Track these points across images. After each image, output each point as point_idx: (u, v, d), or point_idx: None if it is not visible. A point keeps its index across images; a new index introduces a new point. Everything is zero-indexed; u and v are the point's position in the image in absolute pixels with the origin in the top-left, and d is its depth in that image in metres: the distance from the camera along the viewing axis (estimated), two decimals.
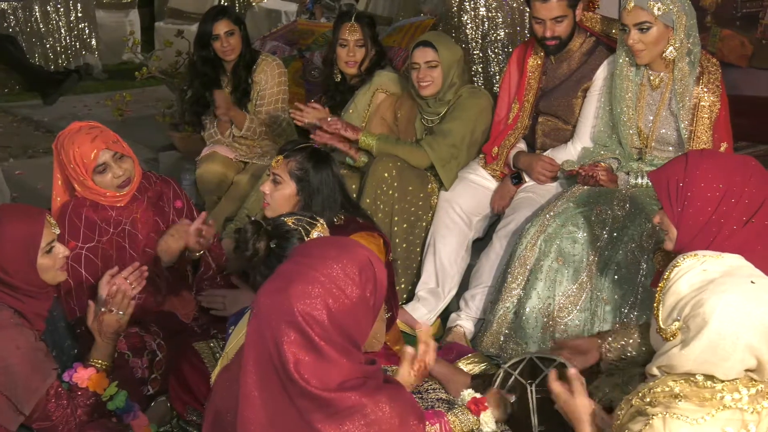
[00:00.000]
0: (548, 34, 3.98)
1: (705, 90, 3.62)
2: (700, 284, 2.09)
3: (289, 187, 3.29)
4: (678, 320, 2.10)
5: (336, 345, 2.02)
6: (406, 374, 2.52)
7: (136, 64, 7.35)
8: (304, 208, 3.22)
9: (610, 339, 2.96)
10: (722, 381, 2.05)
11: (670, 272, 2.18)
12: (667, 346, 2.13)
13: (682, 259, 2.19)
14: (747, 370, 2.05)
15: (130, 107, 6.46)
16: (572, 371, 2.38)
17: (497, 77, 5.00)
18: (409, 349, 2.52)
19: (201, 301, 3.55)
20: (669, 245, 2.75)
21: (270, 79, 4.99)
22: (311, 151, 3.33)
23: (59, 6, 9.22)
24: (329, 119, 4.27)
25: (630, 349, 2.91)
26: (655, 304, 2.20)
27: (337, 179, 3.34)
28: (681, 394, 2.07)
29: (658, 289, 2.22)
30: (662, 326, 2.15)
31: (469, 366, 3.44)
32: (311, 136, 4.27)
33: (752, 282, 2.05)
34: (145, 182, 3.60)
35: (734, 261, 2.16)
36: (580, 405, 2.37)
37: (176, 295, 3.58)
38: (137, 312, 3.33)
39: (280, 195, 3.30)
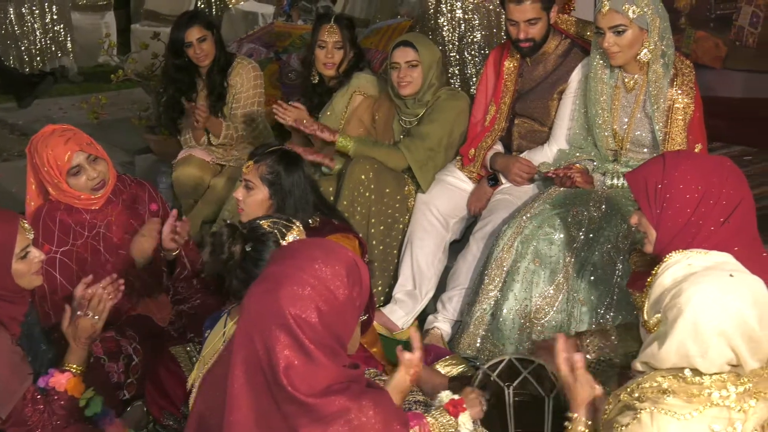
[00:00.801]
0: (522, 36, 3.99)
1: (679, 92, 3.64)
2: (683, 277, 2.12)
3: (262, 192, 3.29)
4: (660, 312, 2.12)
5: (325, 348, 2.02)
6: (402, 380, 2.50)
7: (112, 66, 7.32)
8: (278, 211, 3.22)
9: (587, 340, 2.97)
10: (710, 376, 2.06)
11: (658, 267, 2.22)
12: (650, 338, 2.15)
13: (669, 255, 2.23)
14: (731, 366, 2.06)
15: (105, 110, 6.41)
16: (578, 356, 2.36)
17: (474, 79, 5.01)
18: (407, 355, 2.51)
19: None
20: (648, 247, 2.76)
21: (245, 82, 4.97)
22: (281, 154, 3.33)
23: (34, 8, 9.14)
24: (305, 121, 4.27)
25: (607, 350, 2.93)
26: (643, 298, 2.23)
27: (309, 180, 3.34)
28: (669, 389, 2.08)
29: (646, 284, 2.25)
30: (646, 318, 2.17)
31: (446, 368, 3.44)
32: (287, 145, 4.27)
33: (731, 275, 2.07)
34: (119, 185, 3.59)
35: (720, 257, 2.19)
36: (581, 391, 2.37)
37: (152, 299, 3.56)
38: (112, 314, 3.31)
39: (252, 200, 3.30)
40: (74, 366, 2.97)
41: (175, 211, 3.56)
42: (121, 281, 3.09)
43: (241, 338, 2.06)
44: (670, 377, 2.10)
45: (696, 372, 2.07)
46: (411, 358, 2.50)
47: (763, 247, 2.88)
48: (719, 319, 2.01)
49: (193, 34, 4.85)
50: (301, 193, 3.29)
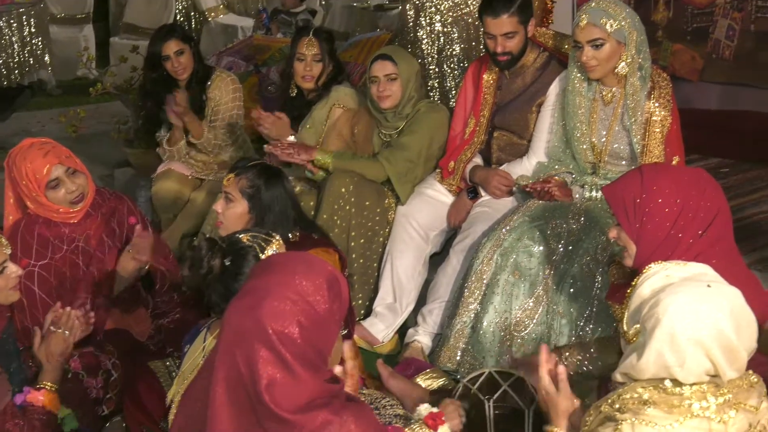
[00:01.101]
0: (499, 49, 4.01)
1: (656, 105, 3.66)
2: (660, 287, 2.13)
3: (241, 205, 3.28)
4: (639, 322, 2.13)
5: (307, 362, 2.02)
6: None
7: (91, 79, 7.30)
8: (257, 225, 3.21)
9: (567, 354, 2.98)
10: (690, 387, 2.07)
11: (638, 279, 2.24)
12: (629, 349, 2.16)
13: (649, 266, 2.25)
14: (710, 376, 2.08)
15: (84, 123, 6.38)
16: (561, 369, 2.37)
17: (453, 92, 5.03)
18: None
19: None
20: (628, 261, 2.76)
21: (224, 95, 4.97)
22: (262, 168, 3.32)
23: (12, 21, 9.09)
24: (279, 143, 4.25)
25: (586, 363, 2.93)
26: (623, 309, 2.24)
27: (290, 195, 3.34)
28: (650, 400, 2.09)
29: (626, 295, 2.26)
30: (625, 329, 2.19)
31: (427, 381, 3.43)
32: (265, 148, 4.26)
33: (708, 286, 2.08)
34: (98, 198, 3.56)
35: (698, 269, 2.21)
36: (562, 404, 2.38)
37: (131, 313, 3.54)
38: (95, 334, 3.30)
39: (232, 213, 3.29)
40: (48, 384, 2.95)
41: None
42: (92, 315, 3.08)
43: (222, 354, 2.05)
44: (651, 388, 2.10)
45: (676, 383, 2.08)
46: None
47: (740, 257, 2.90)
48: (695, 329, 2.02)
49: (171, 47, 4.84)
50: (280, 207, 3.28)
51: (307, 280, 2.05)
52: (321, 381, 2.06)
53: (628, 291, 2.26)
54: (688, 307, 2.04)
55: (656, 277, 2.18)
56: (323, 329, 2.06)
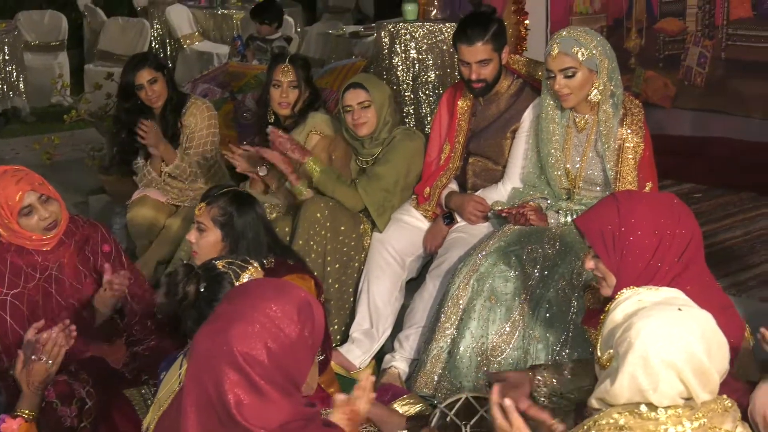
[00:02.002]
0: (474, 77, 4.04)
1: (629, 131, 3.68)
2: (633, 312, 2.14)
3: (214, 234, 3.26)
4: (612, 347, 2.14)
5: (277, 385, 2.01)
6: (337, 421, 2.48)
7: (65, 106, 7.28)
8: (231, 252, 3.19)
9: (543, 374, 2.98)
10: (666, 411, 2.08)
11: (611, 304, 2.24)
12: (604, 375, 2.17)
13: (622, 291, 2.25)
14: (683, 399, 2.08)
15: (58, 150, 6.37)
16: (507, 401, 2.34)
17: (428, 118, 5.05)
18: (340, 396, 2.48)
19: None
20: (607, 291, 2.75)
21: (200, 122, 4.97)
22: (233, 196, 3.30)
23: None
24: (279, 133, 4.24)
25: (559, 386, 2.94)
26: (597, 335, 2.24)
27: (262, 221, 3.32)
28: (626, 426, 2.09)
29: (600, 320, 2.26)
30: (599, 354, 2.19)
31: (404, 407, 3.42)
32: (269, 130, 4.26)
33: (680, 309, 2.09)
34: (72, 226, 3.53)
35: (670, 293, 2.21)
36: None
37: (106, 341, 3.51)
38: (65, 357, 3.25)
39: (205, 243, 3.27)
40: (26, 411, 2.92)
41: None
42: (73, 327, 3.05)
43: (191, 379, 2.04)
44: (627, 413, 2.11)
45: (651, 407, 2.09)
46: (343, 399, 2.43)
47: (713, 280, 2.92)
48: (668, 351, 2.03)
49: (144, 76, 4.84)
50: (254, 234, 3.27)
51: (276, 305, 2.05)
52: (294, 404, 2.05)
53: (602, 317, 2.27)
54: (660, 331, 2.05)
55: (628, 302, 2.19)
56: (293, 355, 2.04)
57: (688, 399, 2.08)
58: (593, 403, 2.21)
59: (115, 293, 3.42)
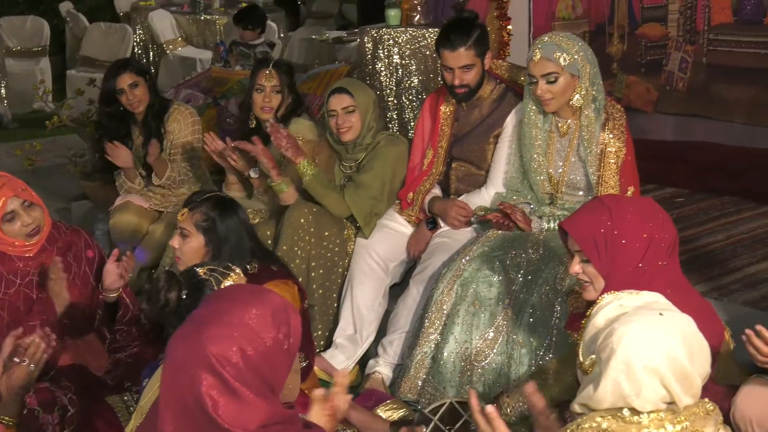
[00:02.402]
0: (457, 82, 4.05)
1: (611, 136, 3.69)
2: (615, 317, 2.15)
3: (197, 240, 3.25)
4: (594, 353, 2.14)
5: (252, 387, 2.00)
6: (316, 416, 2.48)
7: (47, 112, 7.25)
8: (214, 258, 3.18)
9: (506, 402, 3.00)
10: (648, 415, 2.08)
11: (592, 309, 2.25)
12: (586, 380, 2.17)
13: (602, 296, 2.26)
14: (666, 404, 2.09)
15: (40, 156, 6.33)
16: (489, 408, 2.34)
17: (412, 123, 5.06)
18: (319, 391, 2.48)
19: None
20: (593, 295, 2.75)
21: (183, 128, 4.96)
22: (216, 201, 3.29)
23: None
24: (279, 128, 4.22)
25: (525, 408, 2.95)
26: (579, 340, 2.25)
27: (245, 226, 3.31)
28: (608, 429, 2.10)
29: (581, 325, 2.27)
30: (581, 360, 2.20)
31: (388, 412, 3.42)
32: (268, 124, 4.26)
33: (661, 314, 2.10)
34: (54, 232, 3.52)
35: (650, 297, 2.23)
36: None
37: (87, 348, 3.50)
38: (50, 369, 3.24)
39: (188, 248, 3.26)
40: (6, 418, 2.90)
41: (116, 251, 3.51)
42: (53, 336, 3.04)
43: (166, 384, 2.03)
44: (609, 417, 2.11)
45: (634, 411, 2.10)
46: (322, 393, 2.45)
47: (689, 284, 2.94)
48: (650, 357, 2.04)
49: (125, 80, 4.83)
50: (236, 239, 3.25)
51: (251, 310, 2.04)
52: (272, 406, 2.04)
53: (583, 321, 2.28)
54: (642, 336, 2.06)
55: (610, 306, 2.20)
56: (269, 358, 2.03)
57: (671, 403, 2.09)
58: (576, 408, 2.21)
59: (124, 278, 3.44)
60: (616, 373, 2.06)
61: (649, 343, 2.04)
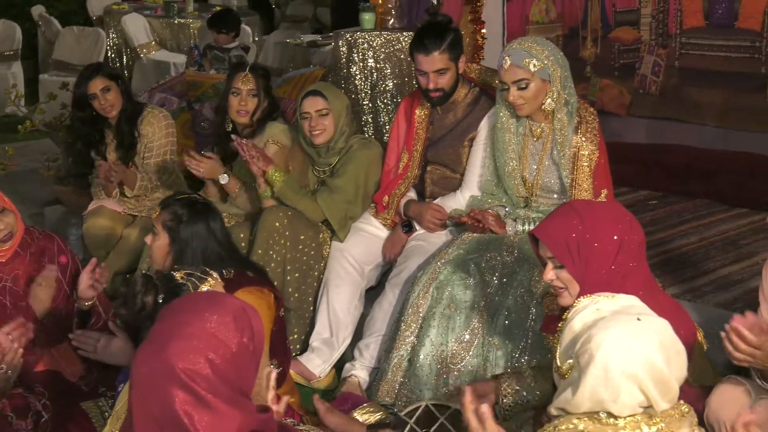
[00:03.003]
0: (431, 86, 4.06)
1: (583, 139, 3.71)
2: (592, 322, 2.15)
3: (163, 239, 3.22)
4: (572, 358, 2.15)
5: (224, 397, 1.97)
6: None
7: (20, 117, 7.20)
8: (176, 260, 3.15)
9: (505, 384, 2.99)
10: (624, 418, 2.09)
11: (569, 312, 2.26)
12: (564, 384, 2.18)
13: (579, 300, 2.28)
14: (643, 408, 2.10)
15: (13, 161, 6.29)
16: (484, 408, 2.30)
17: (387, 127, 5.08)
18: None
19: (73, 339, 3.34)
20: (569, 300, 2.74)
21: (157, 131, 4.95)
22: (186, 203, 3.25)
23: None
24: (245, 141, 4.22)
25: (524, 392, 2.95)
26: (555, 343, 2.26)
27: (213, 233, 3.23)
28: (585, 431, 2.11)
29: (557, 328, 2.27)
30: (559, 364, 2.20)
31: (364, 416, 3.43)
32: (233, 137, 4.26)
33: (638, 319, 2.10)
34: (27, 237, 3.50)
35: (627, 301, 2.23)
36: None
37: (61, 353, 3.47)
38: (24, 375, 3.22)
39: (156, 246, 3.24)
40: None
41: (94, 260, 3.48)
42: (31, 325, 3.02)
43: (136, 404, 1.99)
44: (586, 419, 2.13)
45: (611, 414, 2.11)
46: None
47: (656, 282, 2.98)
48: (628, 364, 2.05)
49: (96, 84, 4.81)
50: (200, 244, 3.19)
51: (211, 316, 2.01)
52: (248, 412, 2.02)
53: (560, 325, 2.28)
54: (620, 342, 2.06)
55: (587, 311, 2.20)
56: (236, 363, 2.01)
57: (648, 407, 2.10)
58: (552, 411, 2.22)
59: (97, 289, 3.40)
60: (594, 379, 2.07)
61: (628, 349, 2.05)
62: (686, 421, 2.16)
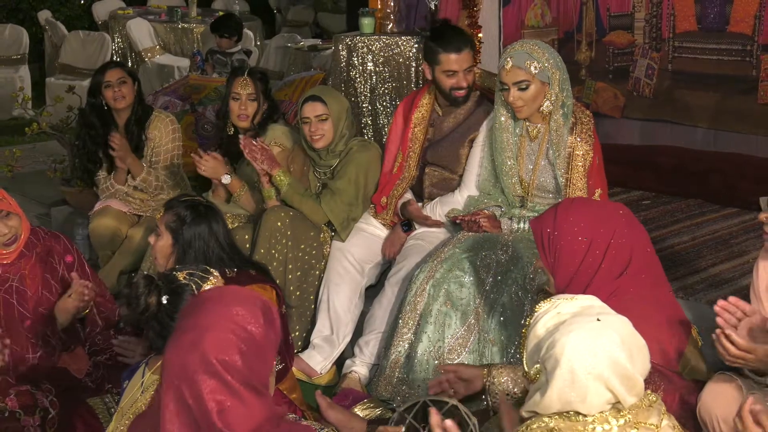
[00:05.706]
0: (464, 83, 4.15)
1: (578, 140, 3.75)
2: (554, 326, 2.16)
3: (166, 239, 3.27)
4: (539, 362, 2.17)
5: (252, 388, 2.05)
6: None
7: (27, 119, 7.27)
8: (179, 260, 3.20)
9: (494, 372, 3.03)
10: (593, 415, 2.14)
11: (530, 318, 2.26)
12: (533, 389, 2.20)
13: (539, 305, 2.27)
14: (611, 404, 2.14)
15: (20, 163, 6.34)
16: (448, 423, 2.23)
17: (386, 129, 5.11)
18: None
19: (115, 345, 3.43)
20: (552, 290, 2.87)
21: (164, 136, 4.99)
22: (190, 205, 3.30)
23: None
24: (254, 142, 4.28)
25: (511, 386, 3.00)
26: (521, 349, 2.29)
27: (215, 235, 3.27)
28: (555, 428, 2.13)
29: (522, 333, 2.32)
30: (526, 369, 2.25)
31: (364, 411, 3.46)
32: (241, 138, 4.31)
33: (598, 319, 2.13)
34: (33, 238, 3.54)
35: (586, 302, 2.23)
36: None
37: (68, 351, 3.53)
38: (31, 372, 3.27)
39: (159, 247, 3.29)
40: None
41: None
42: (7, 340, 3.06)
43: (168, 392, 2.05)
44: (556, 417, 2.15)
45: (579, 413, 2.14)
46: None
47: (666, 288, 3.02)
48: (593, 365, 2.07)
49: (114, 74, 4.88)
50: (202, 246, 3.24)
51: (243, 309, 2.09)
52: (267, 405, 2.09)
53: (523, 330, 2.30)
54: (583, 344, 2.08)
55: (548, 315, 2.20)
56: (262, 355, 2.09)
57: (616, 403, 2.13)
58: (524, 414, 2.24)
59: (84, 302, 3.45)
60: (561, 382, 2.10)
61: (591, 350, 2.07)
62: (654, 411, 2.18)
